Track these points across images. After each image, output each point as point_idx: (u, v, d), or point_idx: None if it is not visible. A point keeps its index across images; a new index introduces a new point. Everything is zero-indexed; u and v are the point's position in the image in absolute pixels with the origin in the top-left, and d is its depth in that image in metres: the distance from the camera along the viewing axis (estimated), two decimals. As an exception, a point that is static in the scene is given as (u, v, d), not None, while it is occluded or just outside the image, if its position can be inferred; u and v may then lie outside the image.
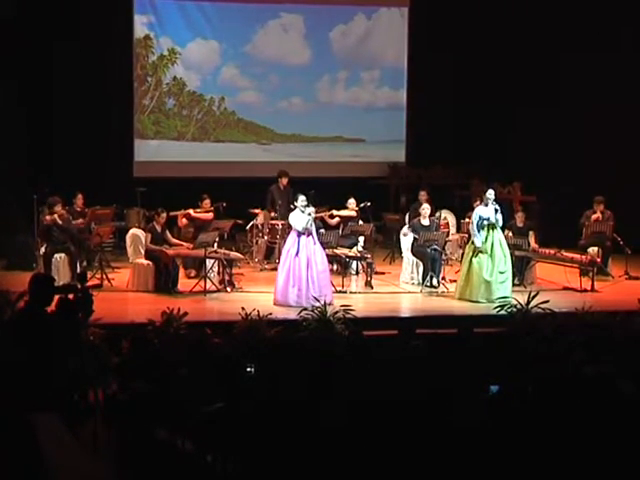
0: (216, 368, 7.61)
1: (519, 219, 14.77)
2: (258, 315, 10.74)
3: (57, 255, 13.56)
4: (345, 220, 15.28)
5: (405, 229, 14.73)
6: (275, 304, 12.51)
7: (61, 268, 13.51)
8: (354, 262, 14.75)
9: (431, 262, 13.92)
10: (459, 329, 9.49)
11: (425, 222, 14.37)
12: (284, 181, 15.74)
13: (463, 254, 13.99)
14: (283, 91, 18.64)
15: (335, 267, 14.82)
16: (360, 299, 13.23)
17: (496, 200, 13.31)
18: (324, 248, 13.19)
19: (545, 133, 17.60)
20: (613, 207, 15.16)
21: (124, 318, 11.63)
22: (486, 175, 16.79)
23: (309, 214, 12.66)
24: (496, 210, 13.08)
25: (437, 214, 15.46)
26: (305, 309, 11.49)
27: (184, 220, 15.02)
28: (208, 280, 13.37)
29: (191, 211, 15.00)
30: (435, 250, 13.91)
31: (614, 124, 16.79)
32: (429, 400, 6.48)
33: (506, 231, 13.97)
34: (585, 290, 13.74)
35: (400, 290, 14.07)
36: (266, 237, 15.47)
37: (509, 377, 7.41)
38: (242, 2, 18.31)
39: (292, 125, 18.69)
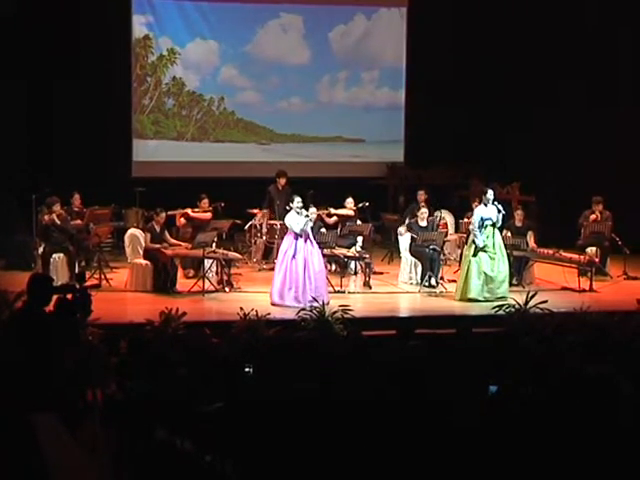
0: (215, 368, 7.61)
1: (518, 219, 14.78)
2: (256, 315, 10.75)
3: (55, 255, 13.55)
4: (343, 220, 15.29)
5: (401, 228, 14.71)
6: (272, 304, 12.53)
7: (59, 268, 13.50)
8: (352, 262, 14.76)
9: (429, 262, 13.92)
10: (457, 329, 9.49)
11: (423, 224, 14.38)
12: (282, 181, 15.75)
13: (462, 254, 14.01)
14: (282, 91, 18.64)
15: (334, 267, 14.84)
16: (358, 299, 13.24)
17: (497, 200, 13.31)
18: (322, 248, 13.20)
19: (544, 133, 17.60)
20: (612, 207, 15.17)
21: (123, 318, 11.64)
22: (485, 175, 16.80)
23: (306, 215, 12.66)
24: (499, 210, 13.08)
25: (436, 214, 15.48)
26: (303, 309, 11.50)
27: (182, 220, 15.01)
28: (206, 280, 13.37)
29: (189, 210, 14.99)
30: (433, 250, 13.92)
31: (613, 124, 16.82)
32: (428, 400, 6.49)
33: (505, 231, 13.98)
34: (583, 290, 13.75)
35: (398, 290, 14.08)
36: (264, 237, 15.48)
37: (507, 377, 7.41)
38: (242, 2, 18.31)
39: (291, 125, 18.69)
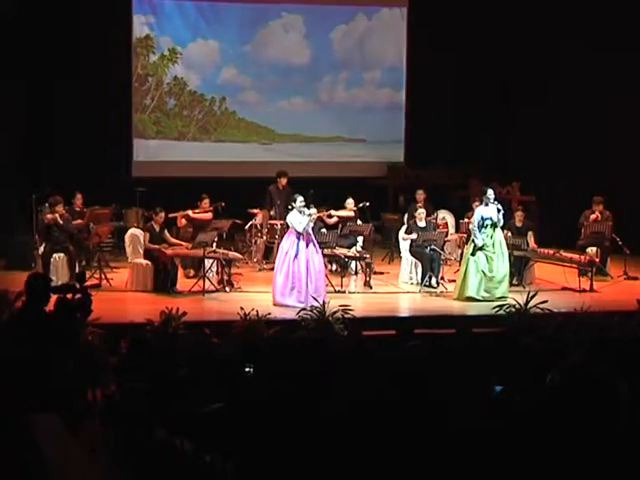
0: (215, 368, 7.61)
1: (518, 219, 14.78)
2: (257, 315, 10.76)
3: (56, 255, 13.55)
4: (344, 220, 15.29)
5: (403, 234, 14.68)
6: (274, 304, 12.53)
7: (60, 268, 13.50)
8: (353, 262, 14.77)
9: (430, 262, 13.93)
10: (458, 329, 9.49)
11: (421, 224, 14.40)
12: (283, 181, 15.75)
13: (462, 254, 14.02)
14: (283, 91, 18.65)
15: (334, 267, 14.84)
16: (359, 299, 13.24)
17: (497, 200, 13.32)
18: (322, 248, 13.20)
19: (544, 133, 17.61)
20: (612, 207, 15.17)
21: (123, 318, 11.66)
22: (485, 175, 16.80)
23: (309, 215, 12.66)
24: (499, 210, 13.10)
25: (435, 214, 15.48)
26: (304, 309, 11.50)
27: (183, 220, 15.03)
28: (207, 280, 13.37)
29: (190, 212, 15.00)
30: (434, 250, 13.92)
31: (613, 124, 16.81)
32: (428, 400, 6.49)
33: (505, 231, 13.98)
34: (584, 290, 13.75)
35: (399, 290, 14.08)
36: (265, 237, 15.48)
37: (508, 378, 7.41)
38: (243, 2, 18.33)
39: (292, 125, 18.70)
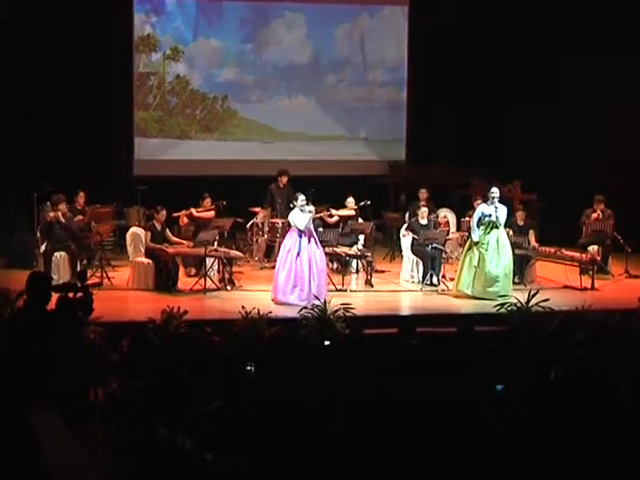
0: (216, 366, 7.61)
1: (519, 217, 14.78)
2: (258, 313, 10.74)
3: (57, 253, 13.55)
4: (345, 219, 15.28)
5: (404, 230, 14.70)
6: (275, 303, 12.53)
7: (61, 266, 13.51)
8: (354, 260, 14.76)
9: (431, 260, 13.93)
10: (459, 327, 9.49)
11: (423, 222, 14.40)
12: (284, 180, 15.75)
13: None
14: (285, 90, 18.66)
15: (335, 265, 14.83)
16: (360, 297, 13.23)
17: (499, 199, 13.31)
18: (324, 246, 13.20)
19: (546, 131, 17.60)
20: (613, 206, 15.16)
21: (124, 316, 11.65)
22: (486, 174, 16.79)
23: (309, 211, 12.66)
24: (496, 208, 13.12)
25: (436, 213, 15.47)
26: (305, 307, 11.49)
27: (185, 219, 15.03)
28: (208, 278, 13.38)
29: (193, 210, 15.01)
30: (435, 248, 13.92)
31: (615, 122, 16.81)
32: (429, 398, 6.49)
33: (506, 229, 13.98)
34: (585, 288, 13.75)
35: (400, 288, 14.08)
36: (266, 235, 15.48)
37: (510, 376, 7.41)
38: (245, 1, 18.32)
39: (294, 124, 18.68)
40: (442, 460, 5.71)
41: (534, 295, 11.63)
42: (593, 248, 14.79)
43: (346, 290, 13.54)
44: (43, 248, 13.63)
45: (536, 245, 14.56)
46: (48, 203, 14.08)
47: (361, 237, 15.05)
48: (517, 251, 13.95)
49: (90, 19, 16.70)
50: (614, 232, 14.89)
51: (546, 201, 16.63)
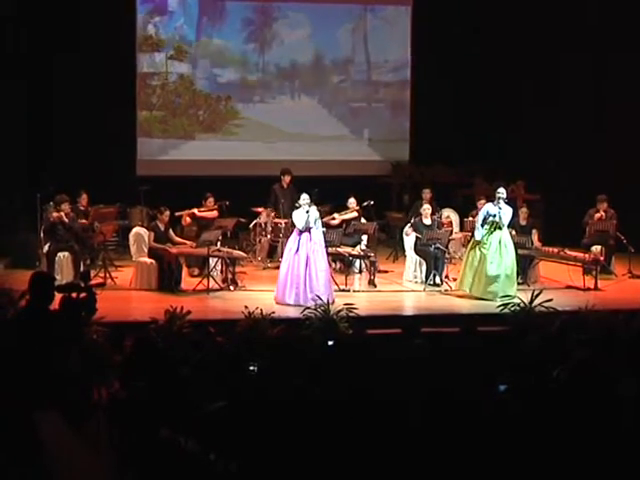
0: (219, 367, 7.61)
1: (522, 217, 14.77)
2: (261, 313, 10.75)
3: (60, 254, 13.57)
4: (348, 220, 15.27)
5: (407, 229, 14.70)
6: (276, 302, 12.54)
7: (64, 267, 13.52)
8: (357, 260, 14.76)
9: (434, 260, 13.93)
10: (462, 327, 9.48)
11: (427, 221, 14.40)
12: (287, 179, 15.76)
13: (466, 252, 14.05)
14: (288, 90, 18.67)
15: (338, 265, 14.84)
16: (363, 297, 13.24)
17: (505, 199, 13.30)
18: (327, 247, 13.19)
19: (549, 131, 17.59)
20: (616, 206, 15.15)
21: (127, 317, 11.67)
22: (489, 174, 16.78)
23: (307, 212, 12.66)
24: (500, 208, 13.11)
25: (439, 212, 15.47)
26: (308, 308, 11.49)
27: (188, 219, 15.04)
28: (211, 278, 13.38)
29: (195, 210, 15.01)
30: (438, 249, 13.92)
31: (617, 122, 16.80)
32: (433, 399, 6.48)
33: (510, 229, 13.97)
34: (588, 289, 13.75)
35: (403, 288, 14.08)
36: (269, 235, 15.48)
37: (513, 376, 7.41)
38: (249, 1, 18.33)
39: (297, 124, 18.68)
40: (445, 461, 5.71)
41: (537, 295, 11.63)
42: (596, 248, 14.78)
43: (349, 290, 13.54)
44: (46, 248, 13.64)
45: (539, 245, 14.56)
46: (51, 203, 14.10)
47: (364, 237, 15.05)
48: (520, 251, 13.94)
49: (92, 19, 16.70)
50: (617, 232, 14.88)
51: (549, 201, 16.63)
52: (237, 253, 14.06)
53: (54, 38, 16.42)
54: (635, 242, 14.60)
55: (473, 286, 13.11)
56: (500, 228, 13.17)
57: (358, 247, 14.54)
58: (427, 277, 13.94)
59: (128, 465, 6.05)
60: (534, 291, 11.85)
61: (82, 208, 14.87)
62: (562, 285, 13.98)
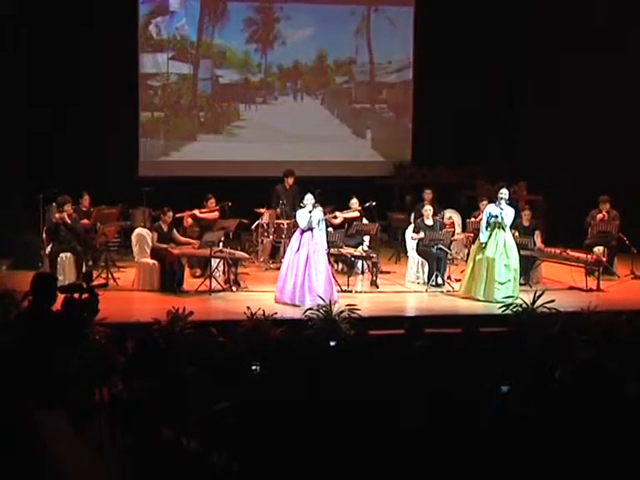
0: (221, 367, 7.61)
1: (525, 218, 14.76)
2: (263, 314, 10.75)
3: (63, 254, 13.57)
4: (349, 220, 15.28)
5: (412, 233, 14.64)
6: (275, 301, 12.55)
7: (67, 267, 13.53)
8: (359, 261, 14.76)
9: (436, 261, 13.93)
10: (464, 328, 9.48)
11: (429, 222, 14.39)
12: (290, 181, 15.75)
13: (469, 253, 14.03)
14: (291, 90, 18.69)
15: (340, 266, 14.84)
16: (365, 298, 13.23)
17: (507, 200, 13.28)
18: (329, 248, 13.19)
19: (551, 132, 17.59)
20: (619, 207, 15.14)
21: (129, 317, 11.67)
22: (492, 175, 16.78)
23: (309, 212, 12.65)
24: (501, 209, 13.11)
25: (442, 213, 15.46)
26: (310, 309, 11.48)
27: (190, 220, 15.04)
28: (213, 279, 13.38)
29: (197, 211, 15.01)
30: (440, 249, 13.91)
31: (620, 123, 16.79)
32: (435, 400, 6.48)
33: (512, 230, 13.97)
34: (591, 289, 13.74)
35: (405, 289, 14.07)
36: (271, 236, 15.48)
37: (515, 377, 7.41)
38: (252, 2, 18.34)
39: (299, 124, 18.69)
40: (448, 461, 5.71)
41: (540, 296, 11.61)
42: (599, 249, 14.77)
43: (351, 291, 13.54)
44: (49, 249, 13.65)
45: (542, 246, 14.56)
46: (54, 204, 14.10)
47: (366, 238, 15.05)
48: (523, 252, 13.92)
49: (94, 19, 16.69)
50: (620, 233, 14.87)
51: (551, 202, 16.62)
52: (239, 254, 14.06)
53: (54, 38, 16.42)
54: (638, 243, 14.59)
55: (486, 293, 13.03)
56: (503, 229, 13.17)
57: (360, 248, 14.54)
58: (429, 278, 13.94)
59: (130, 465, 6.06)
60: (536, 292, 11.83)
61: (84, 209, 14.88)
62: (564, 286, 13.98)
